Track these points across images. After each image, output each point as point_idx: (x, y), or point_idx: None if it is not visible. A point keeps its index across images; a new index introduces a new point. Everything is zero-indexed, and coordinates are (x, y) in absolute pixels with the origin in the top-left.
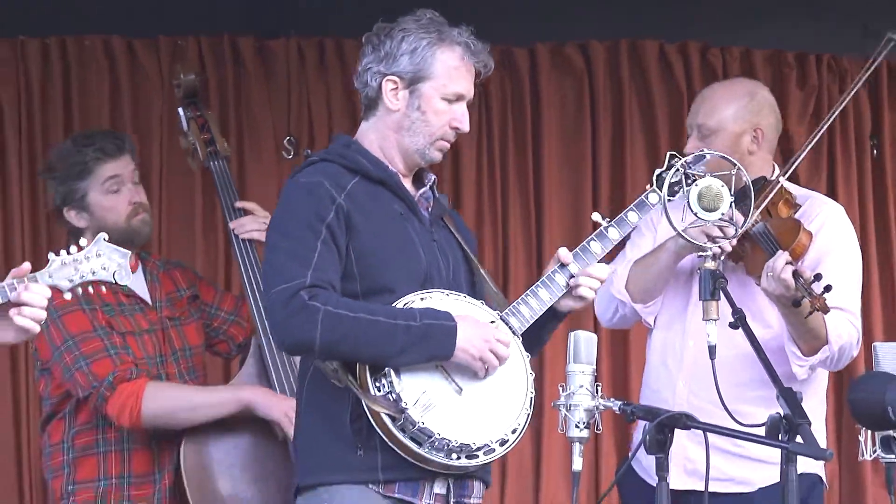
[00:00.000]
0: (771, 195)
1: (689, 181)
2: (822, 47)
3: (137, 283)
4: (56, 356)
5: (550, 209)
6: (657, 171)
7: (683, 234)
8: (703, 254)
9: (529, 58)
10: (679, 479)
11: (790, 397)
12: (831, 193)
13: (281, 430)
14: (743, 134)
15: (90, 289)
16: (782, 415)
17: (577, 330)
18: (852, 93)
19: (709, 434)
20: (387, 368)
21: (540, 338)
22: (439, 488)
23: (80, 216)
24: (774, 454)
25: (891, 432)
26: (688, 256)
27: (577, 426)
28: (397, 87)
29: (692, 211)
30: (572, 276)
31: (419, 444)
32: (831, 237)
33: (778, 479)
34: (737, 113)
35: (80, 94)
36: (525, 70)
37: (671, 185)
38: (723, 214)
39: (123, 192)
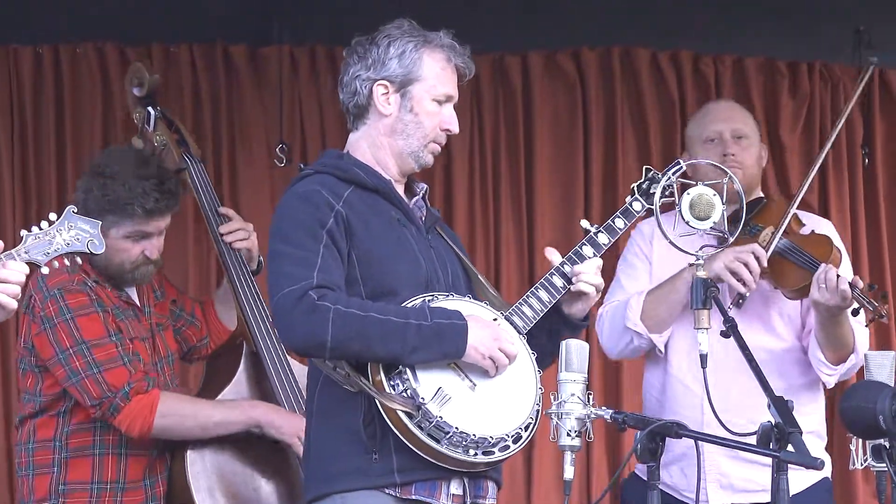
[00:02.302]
0: (791, 212)
1: (669, 191)
2: (813, 55)
3: (130, 289)
4: (62, 357)
5: (542, 216)
6: (634, 184)
7: (675, 242)
8: (695, 262)
9: (522, 65)
10: (715, 495)
11: (781, 406)
12: (823, 203)
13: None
14: (761, 148)
15: (96, 285)
16: (773, 423)
17: (569, 339)
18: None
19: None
20: (401, 367)
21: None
22: (455, 488)
23: None
24: None
25: (882, 441)
26: None
27: (568, 434)
28: (388, 92)
29: (684, 220)
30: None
31: (437, 440)
32: (842, 251)
33: (810, 484)
34: (756, 127)
35: (73, 102)
36: (517, 78)
37: (652, 195)
38: (714, 223)
39: (143, 244)
